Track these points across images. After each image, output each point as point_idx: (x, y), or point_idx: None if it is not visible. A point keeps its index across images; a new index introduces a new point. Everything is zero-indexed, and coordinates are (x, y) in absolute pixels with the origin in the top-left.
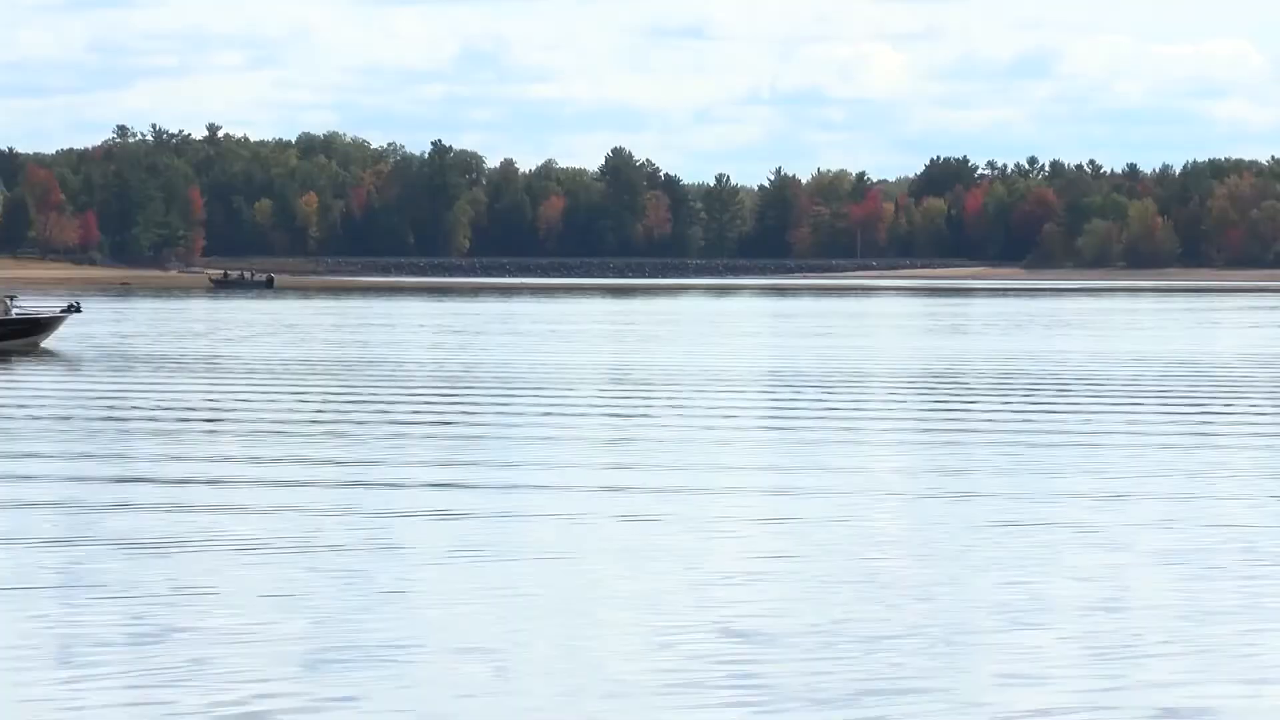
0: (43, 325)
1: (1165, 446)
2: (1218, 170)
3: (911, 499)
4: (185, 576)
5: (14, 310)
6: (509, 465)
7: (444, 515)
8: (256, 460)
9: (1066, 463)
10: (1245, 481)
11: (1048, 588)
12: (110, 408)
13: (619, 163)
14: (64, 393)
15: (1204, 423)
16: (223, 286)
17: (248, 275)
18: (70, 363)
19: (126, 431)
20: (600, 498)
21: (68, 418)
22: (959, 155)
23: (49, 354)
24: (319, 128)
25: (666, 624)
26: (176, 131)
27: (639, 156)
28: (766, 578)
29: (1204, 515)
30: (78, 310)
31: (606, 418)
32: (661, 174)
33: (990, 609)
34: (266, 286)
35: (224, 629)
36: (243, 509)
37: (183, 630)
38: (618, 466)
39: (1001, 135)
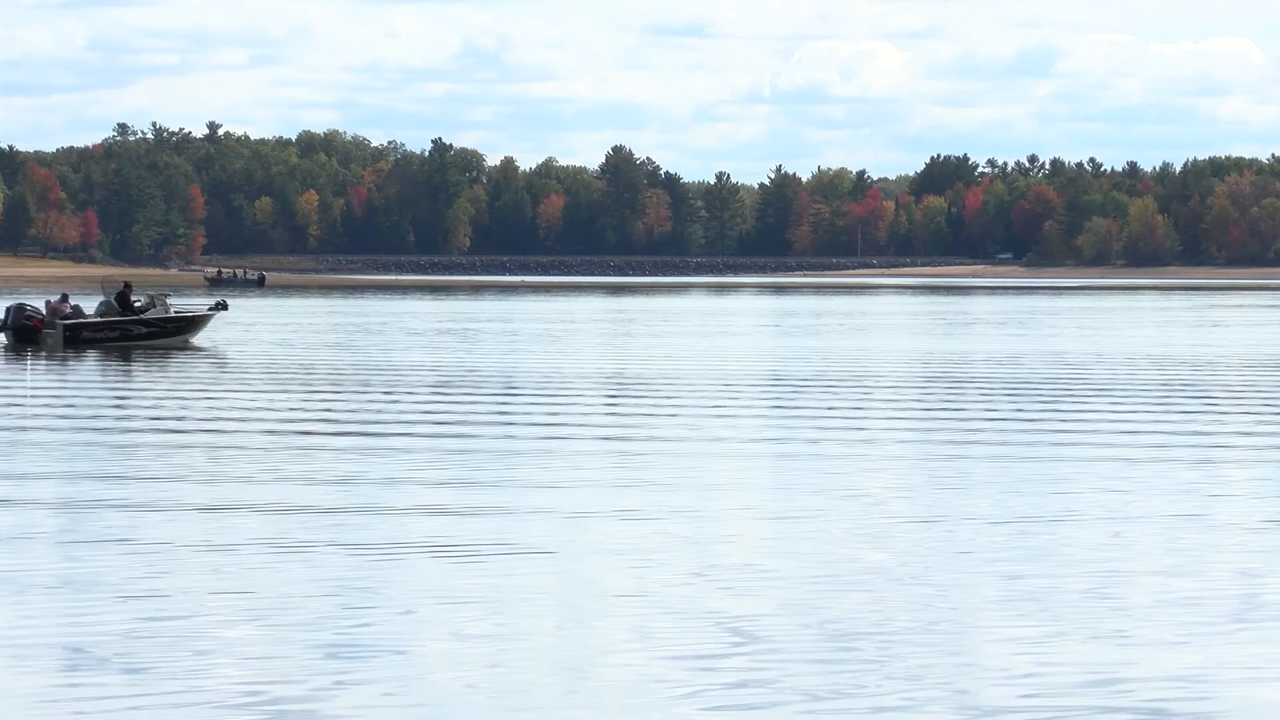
0: (196, 322)
1: (1165, 444)
2: (1218, 168)
3: (912, 498)
4: (180, 577)
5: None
6: (507, 466)
7: (439, 515)
8: (254, 459)
9: (1068, 460)
10: (1248, 483)
11: (1047, 583)
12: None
13: (619, 161)
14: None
15: (1207, 422)
16: (217, 285)
17: (240, 274)
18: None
19: (115, 436)
20: (598, 497)
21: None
22: (959, 153)
23: (199, 349)
24: (319, 126)
25: (665, 624)
26: (177, 130)
27: (639, 154)
28: (767, 576)
29: (1205, 514)
30: (225, 309)
31: (605, 416)
32: (662, 172)
33: (988, 608)
34: (258, 285)
35: (221, 629)
36: (260, 507)
37: (177, 631)
38: (616, 467)
39: (1002, 133)
